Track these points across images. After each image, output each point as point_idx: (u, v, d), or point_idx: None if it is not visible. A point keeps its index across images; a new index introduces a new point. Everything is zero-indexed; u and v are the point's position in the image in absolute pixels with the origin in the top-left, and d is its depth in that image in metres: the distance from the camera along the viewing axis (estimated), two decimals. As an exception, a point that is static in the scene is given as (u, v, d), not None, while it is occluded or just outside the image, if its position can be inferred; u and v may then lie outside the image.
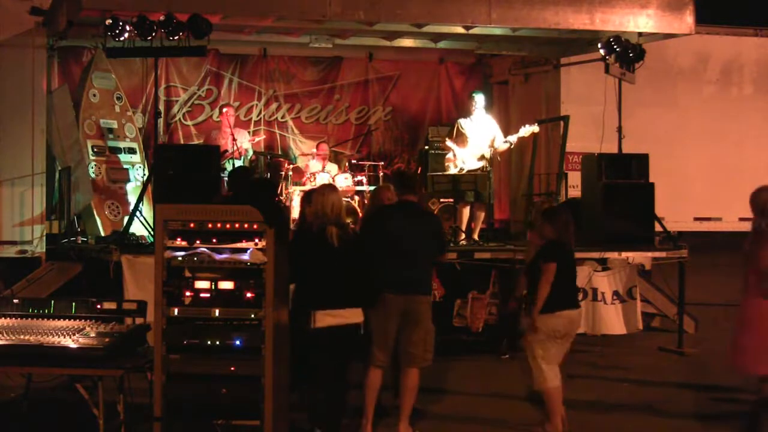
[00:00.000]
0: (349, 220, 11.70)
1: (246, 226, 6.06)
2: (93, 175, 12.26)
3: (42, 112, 11.57)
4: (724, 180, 13.52)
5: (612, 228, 10.97)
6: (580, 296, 9.83)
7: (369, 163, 13.39)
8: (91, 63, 12.71)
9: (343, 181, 12.48)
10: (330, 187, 7.30)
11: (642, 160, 11.51)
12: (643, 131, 12.76)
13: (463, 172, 11.32)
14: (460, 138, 11.47)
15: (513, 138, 11.49)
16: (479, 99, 11.62)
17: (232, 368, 6.03)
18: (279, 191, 12.19)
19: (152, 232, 10.09)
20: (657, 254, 11.52)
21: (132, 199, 12.06)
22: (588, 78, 12.83)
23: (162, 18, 10.01)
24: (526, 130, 11.53)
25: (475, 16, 10.94)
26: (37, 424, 7.27)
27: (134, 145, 12.83)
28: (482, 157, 11.41)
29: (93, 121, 12.54)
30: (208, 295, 6.09)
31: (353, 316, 6.80)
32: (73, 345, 6.16)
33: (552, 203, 11.25)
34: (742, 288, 6.47)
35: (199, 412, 6.01)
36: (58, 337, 6.25)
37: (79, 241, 11.57)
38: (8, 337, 6.25)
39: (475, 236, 11.49)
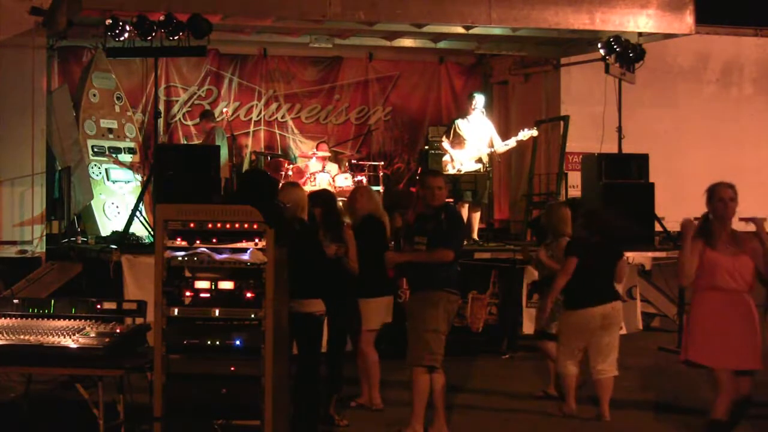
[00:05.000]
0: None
1: (246, 226, 6.06)
2: (93, 175, 12.27)
3: (42, 112, 11.57)
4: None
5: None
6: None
7: (369, 163, 13.40)
8: (91, 63, 12.72)
9: (343, 181, 12.49)
10: (291, 184, 7.69)
11: (642, 160, 11.52)
12: (643, 131, 12.76)
13: (461, 173, 11.34)
14: (457, 139, 11.50)
15: (511, 142, 11.55)
16: (479, 100, 11.65)
17: (232, 368, 6.02)
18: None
19: (152, 232, 10.10)
20: (657, 254, 11.53)
21: (132, 199, 12.06)
22: (588, 78, 12.84)
23: (162, 18, 10.02)
24: (525, 134, 11.58)
25: (475, 16, 10.95)
26: (37, 424, 7.26)
27: (134, 145, 12.85)
28: (479, 160, 11.43)
29: (93, 121, 12.54)
30: (208, 295, 6.08)
31: (305, 306, 6.86)
32: (73, 345, 6.16)
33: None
34: None
35: (199, 412, 6.01)
36: (58, 337, 6.24)
37: (79, 241, 11.57)
38: (8, 337, 6.24)
39: (475, 236, 11.51)
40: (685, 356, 6.27)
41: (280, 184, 7.83)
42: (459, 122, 11.63)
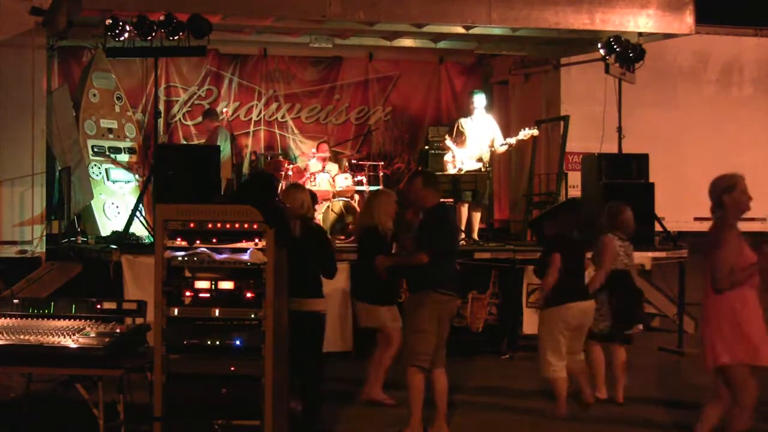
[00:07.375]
0: (349, 219, 11.75)
1: (246, 226, 6.06)
2: (93, 175, 12.27)
3: (42, 112, 11.57)
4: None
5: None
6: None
7: (369, 163, 13.39)
8: (91, 63, 12.72)
9: (343, 181, 12.48)
10: (295, 186, 7.86)
11: (642, 160, 11.52)
12: (643, 131, 12.75)
13: (462, 172, 11.35)
14: (460, 138, 11.51)
15: (512, 140, 11.55)
16: (479, 99, 11.65)
17: (232, 368, 6.02)
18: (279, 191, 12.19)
19: (152, 232, 10.10)
20: (657, 254, 11.51)
21: (132, 199, 12.07)
22: (588, 78, 12.83)
23: (162, 18, 10.02)
24: (525, 133, 11.59)
25: (475, 16, 10.96)
26: (37, 424, 7.26)
27: (134, 145, 12.85)
28: (480, 159, 11.44)
29: (93, 121, 12.55)
30: (208, 295, 6.08)
31: (308, 305, 6.95)
32: (73, 345, 6.16)
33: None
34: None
35: (199, 412, 6.01)
36: (58, 337, 6.24)
37: (79, 241, 11.57)
38: (8, 337, 6.24)
39: (475, 236, 11.52)
40: (737, 359, 6.00)
41: (282, 185, 7.87)
42: (462, 120, 11.65)
